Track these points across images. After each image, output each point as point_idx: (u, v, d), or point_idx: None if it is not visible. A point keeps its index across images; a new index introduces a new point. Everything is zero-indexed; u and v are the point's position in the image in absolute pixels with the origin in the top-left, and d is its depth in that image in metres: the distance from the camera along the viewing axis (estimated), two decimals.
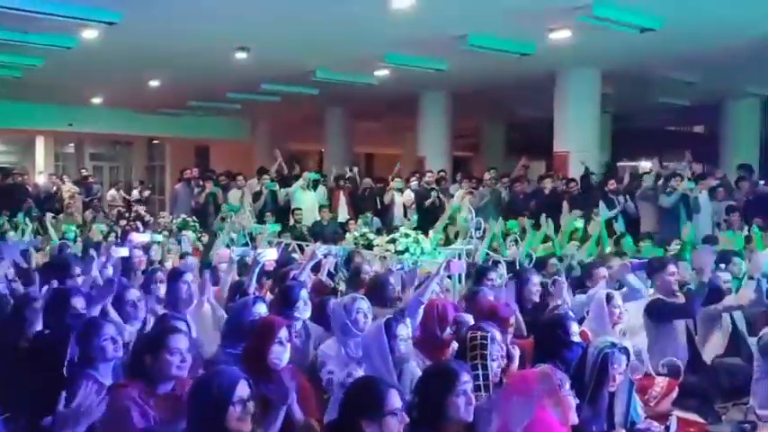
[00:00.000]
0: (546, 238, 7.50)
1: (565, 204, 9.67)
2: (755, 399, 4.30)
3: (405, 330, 3.33)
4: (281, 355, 3.05)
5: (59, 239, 8.21)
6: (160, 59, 10.41)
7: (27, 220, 9.36)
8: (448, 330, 3.66)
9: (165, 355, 2.79)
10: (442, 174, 12.06)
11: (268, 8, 7.74)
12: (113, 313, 3.78)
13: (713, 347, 5.05)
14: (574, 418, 2.77)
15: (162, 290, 4.56)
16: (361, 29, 8.60)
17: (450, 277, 5.36)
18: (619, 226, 9.10)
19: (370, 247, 7.29)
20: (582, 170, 10.56)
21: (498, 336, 3.18)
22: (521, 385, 2.62)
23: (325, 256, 5.40)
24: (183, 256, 6.36)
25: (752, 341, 4.78)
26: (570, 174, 10.71)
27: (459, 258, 5.68)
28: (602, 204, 9.41)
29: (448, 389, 2.55)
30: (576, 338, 3.39)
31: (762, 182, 10.60)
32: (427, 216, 10.31)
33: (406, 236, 6.90)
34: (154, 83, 12.54)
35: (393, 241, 6.90)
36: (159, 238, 6.82)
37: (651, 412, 3.85)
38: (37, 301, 4.13)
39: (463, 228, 7.26)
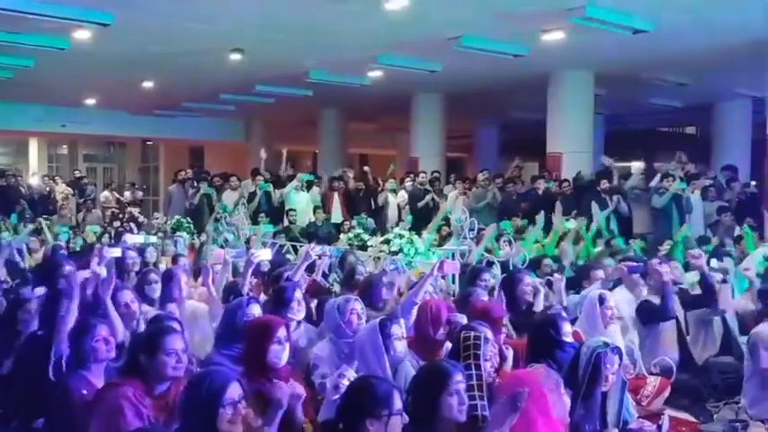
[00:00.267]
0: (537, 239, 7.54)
1: (558, 205, 9.71)
2: (747, 397, 4.33)
3: (399, 330, 3.34)
4: (280, 354, 3.05)
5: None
6: (154, 61, 10.39)
7: (22, 223, 9.33)
8: (441, 331, 3.67)
9: (161, 355, 2.80)
10: (435, 175, 12.09)
11: (262, 10, 7.74)
12: (112, 310, 3.76)
13: (705, 347, 5.09)
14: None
15: (154, 291, 4.55)
16: (355, 30, 8.61)
17: (443, 277, 5.37)
18: (611, 226, 9.14)
19: (364, 247, 7.31)
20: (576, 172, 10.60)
21: (491, 336, 3.20)
22: (515, 385, 2.64)
23: (320, 257, 5.40)
24: (174, 258, 6.33)
25: (743, 340, 4.82)
26: (563, 174, 10.75)
27: (453, 258, 5.70)
28: (594, 204, 9.44)
29: (441, 389, 2.56)
30: (569, 338, 3.40)
31: (753, 182, 10.66)
32: (421, 217, 10.33)
33: (400, 236, 6.91)
34: (148, 84, 12.52)
35: (387, 242, 6.92)
36: (153, 239, 6.79)
37: (643, 411, 3.88)
38: (31, 302, 4.13)
39: (456, 228, 7.27)
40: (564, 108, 11.09)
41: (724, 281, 5.02)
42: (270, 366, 3.03)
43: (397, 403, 2.37)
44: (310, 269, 5.34)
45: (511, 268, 5.94)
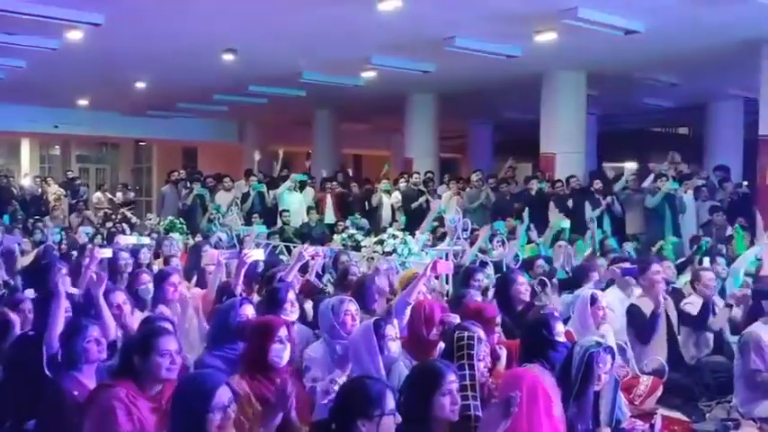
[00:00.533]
0: (530, 239, 7.55)
1: (551, 205, 9.74)
2: (738, 396, 4.36)
3: (393, 330, 3.34)
4: (281, 353, 3.05)
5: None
6: (146, 61, 10.36)
7: (14, 224, 9.30)
8: (434, 331, 3.67)
9: (154, 357, 2.78)
10: (429, 175, 12.10)
11: (255, 10, 7.73)
12: (105, 309, 3.74)
13: (698, 347, 5.11)
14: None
15: (146, 292, 4.53)
16: (348, 31, 8.60)
17: (437, 278, 5.38)
18: (603, 226, 9.17)
19: (358, 248, 7.31)
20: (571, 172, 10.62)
21: (483, 336, 3.20)
22: (515, 383, 2.65)
23: (313, 258, 5.39)
24: (166, 259, 6.30)
25: (734, 340, 4.84)
26: (557, 175, 10.77)
27: (447, 259, 5.71)
28: (587, 205, 9.48)
29: (434, 388, 2.56)
30: (561, 338, 3.41)
31: (745, 182, 10.71)
32: (415, 217, 10.34)
33: (394, 237, 6.92)
34: (140, 84, 12.47)
35: (381, 242, 6.92)
36: (146, 240, 6.78)
37: (636, 411, 3.89)
38: (24, 302, 4.11)
39: (450, 229, 7.28)
40: (557, 108, 11.12)
41: (728, 305, 5.02)
42: (270, 366, 3.03)
43: (390, 403, 2.37)
44: (304, 270, 5.34)
45: (504, 268, 5.96)
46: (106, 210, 12.94)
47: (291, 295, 3.97)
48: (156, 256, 6.84)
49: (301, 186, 11.41)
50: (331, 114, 15.94)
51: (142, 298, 4.50)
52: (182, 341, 3.76)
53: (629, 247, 7.89)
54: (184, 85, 12.50)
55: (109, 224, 10.60)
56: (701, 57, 9.72)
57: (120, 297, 4.08)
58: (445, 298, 5.18)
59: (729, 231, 8.42)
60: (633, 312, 4.87)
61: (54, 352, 3.26)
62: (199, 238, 8.75)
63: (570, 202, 9.72)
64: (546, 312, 3.77)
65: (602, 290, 5.11)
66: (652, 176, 9.65)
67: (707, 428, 4.30)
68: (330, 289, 5.60)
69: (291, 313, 3.90)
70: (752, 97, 10.69)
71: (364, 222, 10.40)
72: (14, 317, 3.88)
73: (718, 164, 11.48)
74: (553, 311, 3.87)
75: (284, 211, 10.38)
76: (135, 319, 4.07)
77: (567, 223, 8.10)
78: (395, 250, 6.72)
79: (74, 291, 4.02)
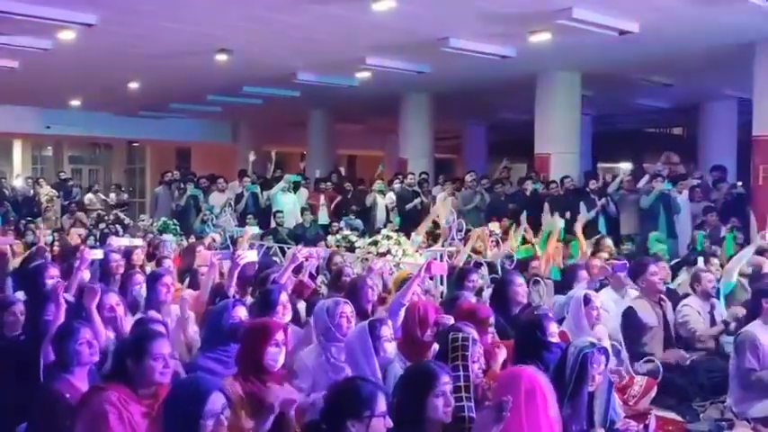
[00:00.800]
0: (525, 240, 7.54)
1: (546, 206, 9.74)
2: (732, 396, 4.36)
3: (389, 331, 3.33)
4: (277, 356, 3.03)
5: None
6: (139, 61, 10.31)
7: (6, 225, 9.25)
8: (429, 332, 3.66)
9: (148, 360, 2.76)
10: (423, 176, 12.09)
11: (248, 10, 7.70)
12: (96, 317, 3.72)
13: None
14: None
15: (138, 293, 4.50)
16: (343, 31, 8.59)
17: (431, 278, 5.37)
18: (599, 227, 9.18)
19: (352, 249, 7.29)
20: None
21: (477, 337, 3.19)
22: (513, 382, 2.63)
23: (306, 259, 5.36)
24: (158, 260, 6.27)
25: (729, 340, 4.85)
26: (551, 175, 10.78)
27: (441, 260, 5.70)
28: (582, 205, 9.48)
29: (427, 390, 2.55)
30: (555, 339, 3.40)
31: (739, 183, 10.73)
32: (409, 218, 10.33)
33: (388, 238, 6.91)
34: (133, 85, 12.42)
35: (375, 243, 6.91)
36: (138, 242, 6.74)
37: (630, 411, 3.89)
38: (15, 305, 4.07)
39: (444, 229, 7.27)
40: (551, 109, 11.13)
41: (725, 322, 5.02)
42: (265, 369, 3.01)
43: (381, 405, 2.36)
44: (297, 271, 5.31)
45: (499, 269, 5.96)
46: (99, 211, 12.88)
47: (284, 297, 3.95)
48: (149, 257, 6.81)
49: (295, 187, 11.39)
50: (325, 115, 15.92)
51: (135, 299, 4.47)
52: (175, 344, 3.77)
53: (624, 249, 7.89)
54: (178, 85, 12.47)
55: (102, 225, 10.56)
56: (695, 57, 9.75)
57: (114, 299, 4.05)
58: (439, 299, 5.17)
59: (723, 232, 8.43)
60: (629, 315, 4.86)
61: (50, 361, 3.24)
62: (193, 239, 8.71)
63: (565, 203, 9.72)
64: (539, 313, 3.76)
65: (596, 290, 5.10)
66: (647, 177, 9.67)
67: (701, 429, 4.30)
68: (324, 290, 5.58)
69: (284, 316, 3.88)
70: (745, 98, 10.73)
71: (358, 223, 10.39)
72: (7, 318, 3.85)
73: (715, 164, 11.47)
74: (547, 312, 3.86)
75: (278, 212, 10.35)
76: (127, 321, 4.05)
77: (561, 223, 8.09)
78: (389, 251, 6.71)
79: (68, 297, 4.01)
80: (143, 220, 10.92)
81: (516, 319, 4.51)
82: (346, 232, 8.21)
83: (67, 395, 2.97)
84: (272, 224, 10.21)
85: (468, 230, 7.34)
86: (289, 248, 7.15)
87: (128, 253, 6.05)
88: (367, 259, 6.54)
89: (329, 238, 8.28)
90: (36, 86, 12.41)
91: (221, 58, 9.71)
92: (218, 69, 10.45)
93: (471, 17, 7.96)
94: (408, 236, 7.45)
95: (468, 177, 11.33)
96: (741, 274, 5.85)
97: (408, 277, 4.59)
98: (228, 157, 17.65)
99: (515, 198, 10.65)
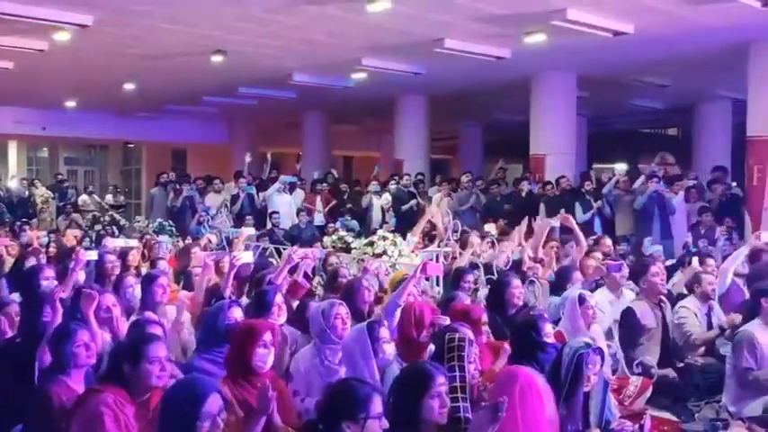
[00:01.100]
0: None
1: (542, 207, 9.75)
2: (728, 395, 4.37)
3: (386, 333, 3.32)
4: (265, 358, 3.03)
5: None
6: (134, 62, 10.29)
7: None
8: (425, 333, 3.66)
9: (144, 364, 2.77)
10: (419, 177, 12.10)
11: (243, 11, 7.70)
12: (94, 322, 3.71)
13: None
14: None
15: (131, 295, 4.49)
16: (338, 32, 8.59)
17: (427, 279, 5.37)
18: (594, 228, 9.19)
19: (348, 249, 7.29)
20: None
21: (473, 337, 3.20)
22: (511, 381, 2.64)
23: (302, 260, 5.37)
24: (153, 261, 6.26)
25: (726, 340, 4.86)
26: (546, 176, 10.80)
27: (437, 260, 5.70)
28: (577, 206, 9.50)
29: (423, 391, 2.55)
30: (550, 339, 3.41)
31: (733, 183, 10.77)
32: (405, 219, 10.33)
33: (384, 239, 6.91)
34: (129, 86, 12.39)
35: (371, 244, 6.91)
36: (134, 243, 6.73)
37: (626, 411, 3.89)
38: (10, 306, 4.06)
39: (440, 230, 7.28)
40: (547, 110, 11.14)
41: (721, 328, 5.03)
42: (254, 370, 3.00)
43: (376, 407, 2.36)
44: (293, 271, 5.31)
45: (495, 270, 5.96)
46: (94, 212, 12.86)
47: (279, 298, 3.95)
48: (144, 258, 6.80)
49: (291, 188, 11.38)
50: (321, 116, 15.91)
51: (128, 302, 4.46)
52: (171, 346, 3.76)
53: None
54: (173, 86, 12.45)
55: (98, 227, 10.53)
56: (689, 58, 9.77)
57: (110, 299, 4.04)
58: (434, 300, 5.17)
59: (718, 233, 8.45)
60: (627, 316, 4.87)
61: (46, 365, 3.23)
62: (189, 240, 8.70)
63: (561, 204, 9.73)
64: (534, 314, 3.76)
65: (591, 291, 5.10)
66: (643, 177, 9.69)
67: (696, 428, 4.31)
68: (320, 292, 5.57)
69: (279, 317, 3.88)
70: (740, 98, 10.76)
71: (354, 224, 10.39)
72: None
73: (717, 165, 11.47)
74: (542, 313, 3.87)
75: (274, 213, 10.34)
76: (123, 322, 4.04)
77: (556, 223, 8.11)
78: (385, 252, 6.71)
79: (62, 296, 4.00)
80: (139, 222, 10.89)
81: (512, 320, 4.52)
82: (342, 233, 8.21)
83: (63, 397, 2.96)
84: (268, 225, 10.20)
85: (464, 231, 7.35)
86: (284, 249, 7.14)
87: (123, 254, 6.04)
88: (363, 260, 6.54)
89: (325, 239, 8.28)
90: (31, 87, 12.38)
91: (217, 59, 9.70)
92: (213, 70, 10.44)
93: (466, 18, 7.97)
94: (404, 237, 7.46)
95: (463, 178, 11.35)
96: (736, 275, 5.86)
97: (404, 278, 4.59)
98: (224, 158, 17.62)
99: (511, 199, 10.66)
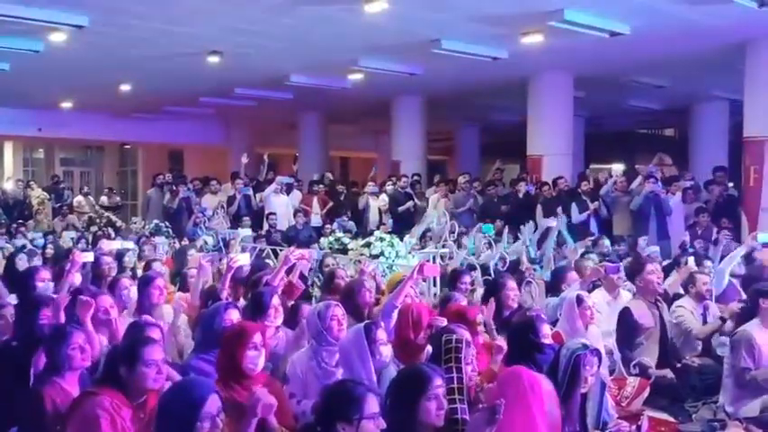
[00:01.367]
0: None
1: (539, 208, 9.75)
2: (725, 395, 4.37)
3: (383, 334, 3.32)
4: (256, 360, 3.02)
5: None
6: (130, 63, 10.27)
7: None
8: (422, 335, 3.65)
9: (140, 367, 2.76)
10: (416, 178, 12.09)
11: (240, 12, 7.69)
12: (91, 328, 3.69)
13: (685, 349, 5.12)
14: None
15: (126, 297, 4.48)
16: (335, 33, 8.58)
17: (424, 280, 5.36)
18: (591, 229, 9.19)
19: (344, 251, 7.28)
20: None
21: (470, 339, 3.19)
22: (512, 382, 2.63)
23: (299, 260, 5.35)
24: (148, 263, 6.24)
25: (724, 340, 4.86)
26: (544, 176, 10.80)
27: (434, 262, 5.69)
28: (573, 207, 9.50)
29: (420, 393, 2.55)
30: (548, 340, 3.40)
31: (730, 184, 10.78)
32: (402, 220, 10.33)
33: (381, 240, 6.90)
34: (125, 87, 12.37)
35: (368, 245, 6.90)
36: (130, 244, 6.72)
37: (623, 412, 3.89)
38: (6, 308, 4.05)
39: (437, 231, 7.27)
40: (544, 110, 11.15)
41: (722, 318, 5.04)
42: (245, 373, 2.99)
43: (371, 407, 2.36)
44: (289, 272, 5.29)
45: (492, 271, 5.96)
46: (90, 214, 12.82)
47: (276, 300, 3.94)
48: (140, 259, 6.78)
49: (288, 189, 11.37)
50: (318, 117, 15.90)
51: (124, 304, 4.44)
52: (168, 348, 3.75)
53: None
54: (170, 87, 12.43)
55: (94, 228, 10.51)
56: (686, 59, 9.79)
57: (108, 301, 4.04)
58: (430, 300, 5.17)
59: (714, 234, 8.46)
60: (624, 316, 4.87)
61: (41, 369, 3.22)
62: (185, 241, 8.68)
63: (558, 205, 9.74)
64: (532, 315, 3.76)
65: (589, 291, 5.10)
66: (640, 178, 9.70)
67: (693, 429, 4.31)
68: (317, 293, 5.56)
69: (275, 319, 3.87)
70: (737, 99, 10.77)
71: (351, 225, 10.38)
72: None
73: (718, 165, 11.45)
74: (539, 313, 3.87)
75: (271, 214, 10.33)
76: (121, 322, 4.03)
77: (553, 223, 8.11)
78: (382, 253, 6.70)
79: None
80: (135, 223, 10.86)
81: (507, 321, 4.51)
82: (339, 234, 8.19)
83: (57, 399, 2.95)
84: (265, 226, 10.19)
85: (461, 233, 7.35)
86: (281, 251, 7.13)
87: (120, 255, 6.02)
88: (360, 261, 6.54)
89: (322, 240, 8.27)
90: (27, 88, 12.34)
91: (213, 59, 9.69)
92: (210, 71, 10.42)
93: (463, 19, 7.97)
94: (401, 238, 7.45)
95: (461, 179, 11.34)
96: (732, 275, 5.87)
97: (402, 279, 4.58)
98: (221, 159, 17.60)
99: (508, 200, 10.66)
